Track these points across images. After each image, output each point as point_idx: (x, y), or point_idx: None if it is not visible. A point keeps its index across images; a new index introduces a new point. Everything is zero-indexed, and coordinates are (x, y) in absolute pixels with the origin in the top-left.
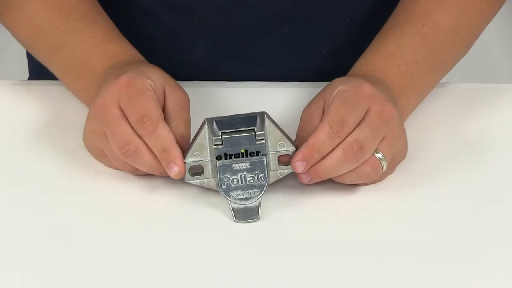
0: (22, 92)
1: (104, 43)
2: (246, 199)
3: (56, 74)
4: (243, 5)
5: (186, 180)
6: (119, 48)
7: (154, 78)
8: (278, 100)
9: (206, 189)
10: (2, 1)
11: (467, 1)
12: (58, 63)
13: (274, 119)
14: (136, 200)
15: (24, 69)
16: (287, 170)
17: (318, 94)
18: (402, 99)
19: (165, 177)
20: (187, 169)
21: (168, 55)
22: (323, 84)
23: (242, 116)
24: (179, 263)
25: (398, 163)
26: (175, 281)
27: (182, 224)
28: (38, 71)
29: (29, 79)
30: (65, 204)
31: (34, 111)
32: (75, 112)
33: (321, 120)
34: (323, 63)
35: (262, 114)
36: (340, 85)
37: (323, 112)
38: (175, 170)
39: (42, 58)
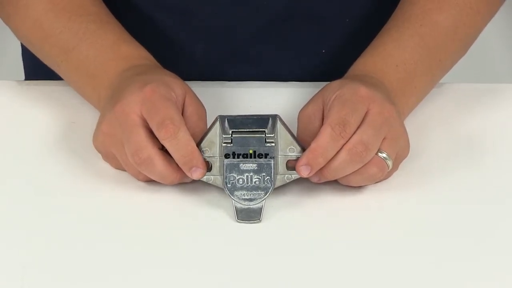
0: (22, 92)
1: (118, 45)
2: (250, 200)
3: (64, 75)
4: (243, 6)
5: None
6: (134, 50)
7: (176, 89)
8: (278, 100)
9: (208, 188)
10: (8, 3)
11: (464, 1)
12: (68, 64)
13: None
14: (136, 199)
15: (20, 69)
16: (294, 175)
17: (315, 95)
18: (401, 99)
19: None
20: None
21: (167, 56)
22: (323, 84)
23: (255, 117)
24: (181, 263)
25: (402, 160)
26: (176, 281)
27: (184, 223)
28: (34, 72)
29: (25, 79)
30: (65, 204)
31: (34, 111)
32: (75, 112)
33: (322, 123)
34: (322, 63)
35: (275, 117)
36: (338, 89)
37: (323, 114)
38: (199, 173)
39: (49, 59)
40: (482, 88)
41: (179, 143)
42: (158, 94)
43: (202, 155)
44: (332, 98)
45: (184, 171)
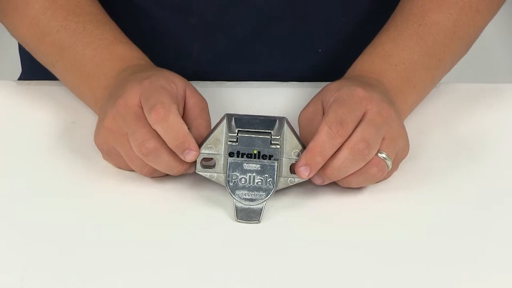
0: (22, 92)
1: (114, 46)
2: (251, 200)
3: (59, 74)
4: (240, 4)
5: (196, 171)
6: (129, 51)
7: (176, 82)
8: (278, 100)
9: (208, 186)
10: (6, 1)
11: (464, 0)
12: (64, 64)
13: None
14: (136, 199)
15: (18, 68)
16: (297, 179)
17: (314, 97)
18: (400, 99)
19: (168, 174)
20: (199, 160)
21: (164, 54)
22: (323, 84)
23: (262, 118)
24: (180, 262)
25: (402, 160)
26: (175, 280)
27: (184, 221)
28: (31, 69)
29: (21, 77)
30: (65, 204)
31: (34, 111)
32: (75, 112)
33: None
34: (318, 62)
35: (282, 119)
36: (336, 91)
37: (323, 115)
38: (192, 155)
39: (45, 58)
40: (482, 88)
41: (170, 126)
42: (156, 84)
43: (207, 151)
44: (330, 100)
45: (178, 154)
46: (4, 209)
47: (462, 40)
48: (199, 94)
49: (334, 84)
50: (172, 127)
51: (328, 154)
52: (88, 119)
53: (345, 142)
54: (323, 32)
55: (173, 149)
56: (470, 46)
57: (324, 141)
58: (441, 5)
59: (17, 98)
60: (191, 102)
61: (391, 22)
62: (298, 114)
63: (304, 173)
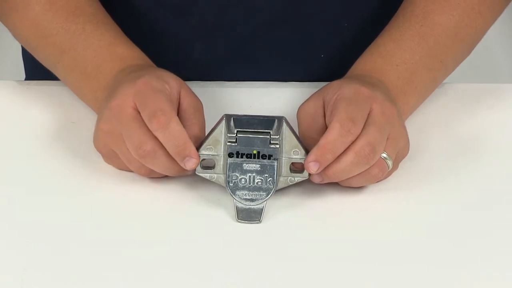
0: (22, 92)
1: (114, 46)
2: (252, 200)
3: (60, 76)
4: (241, 5)
5: (196, 173)
6: (129, 51)
7: (170, 82)
8: (278, 100)
9: (209, 186)
10: (7, 1)
11: (466, 2)
12: (65, 65)
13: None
14: (136, 199)
15: (20, 69)
16: (297, 178)
17: (315, 93)
18: (401, 99)
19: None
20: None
21: (164, 55)
22: (323, 84)
23: (261, 118)
24: (181, 262)
25: (402, 159)
26: (177, 281)
27: (184, 222)
28: (34, 72)
29: (25, 79)
30: (65, 204)
31: (34, 111)
32: (75, 112)
33: (325, 121)
34: (321, 67)
35: (281, 118)
36: (338, 89)
37: (324, 112)
38: (192, 163)
39: (46, 60)
40: (483, 88)
41: (171, 134)
42: (150, 86)
43: (207, 152)
44: (333, 98)
45: (178, 161)
46: (4, 209)
47: (464, 42)
48: (194, 94)
49: (336, 82)
50: (173, 134)
51: (338, 152)
52: (88, 119)
53: (350, 145)
54: (324, 33)
55: (173, 155)
56: (472, 49)
57: (335, 139)
58: (443, 7)
59: (17, 98)
60: (186, 102)
61: (393, 22)
62: None
63: (313, 168)
